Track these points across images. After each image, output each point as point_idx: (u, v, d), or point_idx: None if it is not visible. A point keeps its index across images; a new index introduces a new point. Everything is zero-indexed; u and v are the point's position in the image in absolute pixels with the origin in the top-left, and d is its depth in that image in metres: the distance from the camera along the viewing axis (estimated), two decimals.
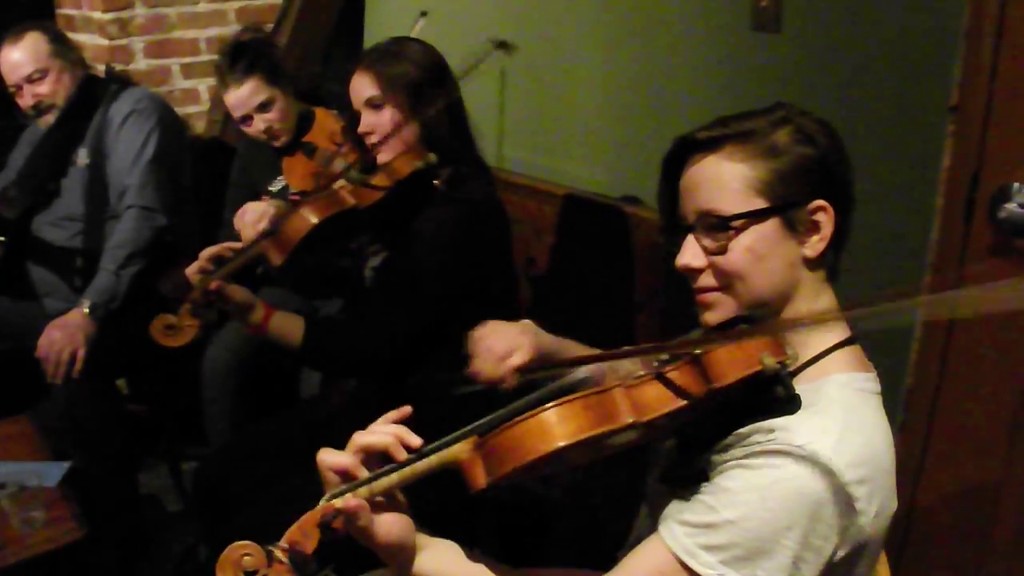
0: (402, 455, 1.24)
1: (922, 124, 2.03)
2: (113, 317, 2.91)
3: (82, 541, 2.18)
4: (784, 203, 1.30)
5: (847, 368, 1.33)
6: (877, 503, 1.25)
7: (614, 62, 2.80)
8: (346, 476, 1.24)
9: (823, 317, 1.31)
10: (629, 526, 1.58)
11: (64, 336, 2.80)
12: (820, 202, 1.31)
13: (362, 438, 1.26)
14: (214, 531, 2.44)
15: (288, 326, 2.13)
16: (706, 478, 1.29)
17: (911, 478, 2.07)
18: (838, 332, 1.36)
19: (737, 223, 1.30)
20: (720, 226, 1.31)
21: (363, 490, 1.21)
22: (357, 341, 2.15)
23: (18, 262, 3.16)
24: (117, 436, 2.95)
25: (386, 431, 1.27)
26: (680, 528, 1.23)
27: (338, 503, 1.20)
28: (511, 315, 2.36)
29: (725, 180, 1.31)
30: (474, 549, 1.33)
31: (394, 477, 1.22)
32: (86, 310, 2.86)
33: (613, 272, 2.72)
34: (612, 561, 1.31)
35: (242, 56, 2.93)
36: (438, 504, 1.41)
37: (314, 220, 2.07)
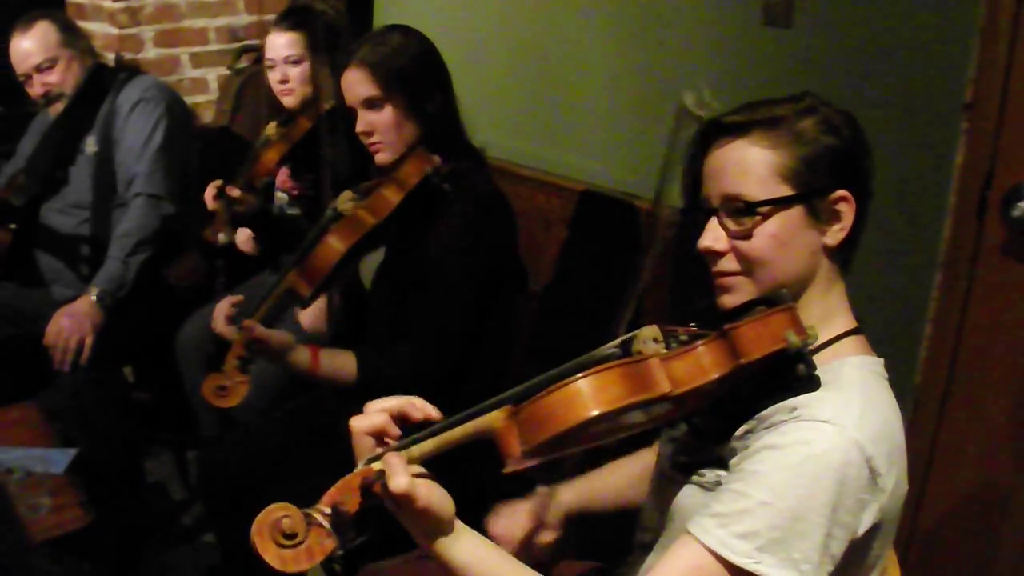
0: (418, 414, 1.23)
1: (935, 121, 2.01)
2: (120, 305, 2.91)
3: (88, 528, 2.18)
4: (809, 190, 1.32)
5: (858, 353, 1.36)
6: (894, 479, 1.26)
7: (624, 55, 2.79)
8: (380, 439, 1.21)
9: None
10: (633, 517, 1.58)
11: (72, 323, 2.80)
12: (843, 192, 1.32)
13: (380, 403, 1.24)
14: (220, 519, 2.44)
15: (339, 362, 2.10)
16: (725, 465, 1.29)
17: (919, 477, 2.07)
18: (846, 320, 1.38)
19: (763, 209, 1.31)
20: (745, 211, 1.32)
21: (402, 453, 1.17)
22: (414, 359, 2.11)
23: (26, 249, 3.16)
24: (123, 424, 2.96)
25: (399, 398, 1.25)
26: (711, 521, 1.22)
27: (378, 465, 1.16)
28: (521, 306, 2.36)
29: (751, 165, 1.32)
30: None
31: (430, 443, 1.19)
32: (94, 298, 2.86)
33: (621, 265, 2.71)
34: (614, 552, 1.31)
35: (299, 12, 3.01)
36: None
37: (342, 248, 2.07)
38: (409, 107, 2.13)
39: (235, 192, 2.83)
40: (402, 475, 1.14)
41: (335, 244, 2.08)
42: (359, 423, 1.23)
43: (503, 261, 2.23)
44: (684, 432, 1.45)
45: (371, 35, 2.21)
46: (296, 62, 2.95)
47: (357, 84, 2.13)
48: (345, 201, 2.13)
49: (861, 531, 1.23)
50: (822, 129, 1.33)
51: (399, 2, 3.71)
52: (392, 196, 2.11)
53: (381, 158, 2.16)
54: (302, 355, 2.08)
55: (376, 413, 1.23)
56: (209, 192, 2.89)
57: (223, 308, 2.16)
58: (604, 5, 2.83)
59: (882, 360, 1.37)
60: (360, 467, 1.19)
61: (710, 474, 1.33)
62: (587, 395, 1.11)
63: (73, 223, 3.12)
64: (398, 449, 1.19)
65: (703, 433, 1.36)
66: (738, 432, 1.30)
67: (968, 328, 1.99)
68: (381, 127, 2.13)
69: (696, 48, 2.56)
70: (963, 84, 1.94)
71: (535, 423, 1.13)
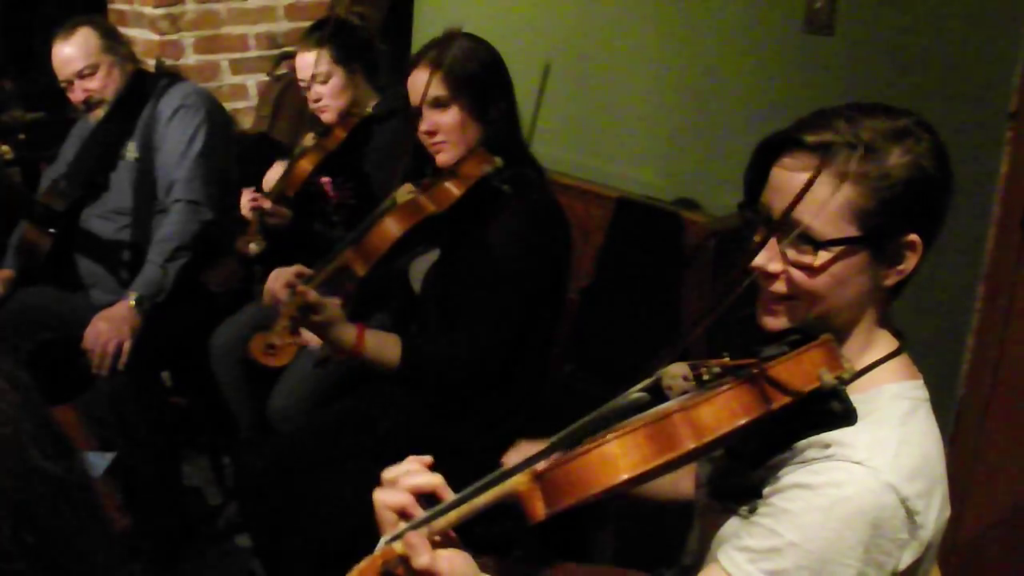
0: (449, 495, 1.19)
1: (980, 130, 1.99)
2: (159, 310, 2.93)
3: (125, 531, 2.20)
4: (879, 234, 1.25)
5: (897, 378, 1.32)
6: (935, 512, 1.24)
7: (665, 63, 2.78)
8: (403, 514, 1.18)
9: None
10: (676, 531, 1.57)
11: (111, 328, 2.82)
12: (913, 236, 1.26)
13: (410, 479, 1.20)
14: (256, 521, 2.45)
15: (384, 345, 2.08)
16: (759, 494, 1.28)
17: (960, 491, 2.04)
18: (886, 343, 1.34)
19: (831, 249, 1.25)
20: (810, 244, 1.25)
21: (423, 530, 1.15)
22: (455, 355, 2.11)
23: (66, 254, 3.18)
24: (160, 428, 2.98)
25: (429, 473, 1.21)
26: (741, 555, 1.22)
27: (398, 547, 1.14)
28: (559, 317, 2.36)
29: (827, 199, 1.23)
30: (515, 548, 1.31)
31: (452, 515, 1.15)
32: (132, 302, 2.88)
33: (660, 275, 2.70)
34: (656, 564, 1.29)
35: (323, 27, 2.99)
36: None
37: (399, 231, 2.08)
38: (474, 110, 2.15)
39: (267, 204, 2.85)
40: (424, 554, 1.12)
41: (393, 225, 2.09)
42: (383, 498, 1.19)
43: (558, 272, 2.23)
44: (721, 455, 1.42)
45: (440, 39, 2.23)
46: (324, 79, 2.93)
47: (424, 84, 2.15)
48: (405, 193, 2.14)
49: (902, 567, 1.22)
50: (909, 166, 1.24)
51: (439, 11, 3.73)
52: (454, 188, 2.13)
53: (442, 158, 2.18)
54: (348, 331, 2.05)
55: (401, 492, 1.19)
56: (245, 200, 2.91)
57: (285, 274, 2.17)
58: (643, 12, 2.82)
59: (921, 381, 1.34)
60: (381, 546, 1.17)
61: (750, 505, 1.31)
62: (612, 460, 1.07)
63: (113, 228, 3.14)
64: (421, 523, 1.16)
65: (740, 456, 1.33)
66: (774, 460, 1.26)
67: (1011, 339, 1.97)
68: (445, 127, 2.15)
69: (737, 56, 2.55)
70: (1008, 93, 1.91)
71: (560, 488, 1.10)
